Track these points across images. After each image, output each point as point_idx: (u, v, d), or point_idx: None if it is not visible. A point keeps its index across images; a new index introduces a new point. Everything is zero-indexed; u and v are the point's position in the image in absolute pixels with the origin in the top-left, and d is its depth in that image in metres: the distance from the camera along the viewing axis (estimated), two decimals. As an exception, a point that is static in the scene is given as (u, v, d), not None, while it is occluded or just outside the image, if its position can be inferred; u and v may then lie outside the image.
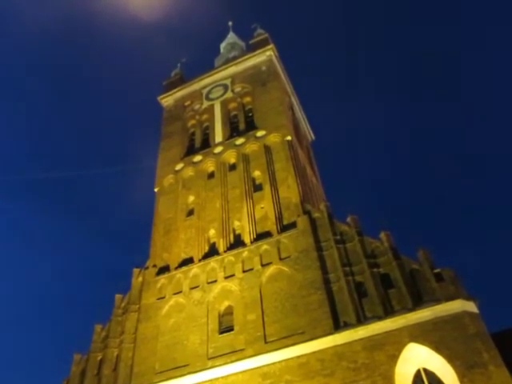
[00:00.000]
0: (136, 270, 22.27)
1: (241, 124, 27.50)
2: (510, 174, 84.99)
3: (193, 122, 29.94)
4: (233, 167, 24.66)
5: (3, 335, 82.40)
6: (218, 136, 27.16)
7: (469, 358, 13.44)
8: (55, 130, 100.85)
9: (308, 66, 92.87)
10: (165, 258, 22.12)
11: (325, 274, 17.43)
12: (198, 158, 26.23)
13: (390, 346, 14.52)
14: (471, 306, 14.65)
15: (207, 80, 32.10)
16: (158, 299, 20.29)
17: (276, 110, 26.37)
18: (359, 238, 17.91)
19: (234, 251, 20.16)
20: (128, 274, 22.40)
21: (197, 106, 30.78)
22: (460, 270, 15.80)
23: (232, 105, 29.31)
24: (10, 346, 79.47)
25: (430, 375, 14.11)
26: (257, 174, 23.51)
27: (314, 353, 15.35)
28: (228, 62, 33.65)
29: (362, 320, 15.66)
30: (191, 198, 24.43)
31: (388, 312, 15.49)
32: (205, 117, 29.59)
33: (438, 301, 15.01)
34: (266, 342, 16.50)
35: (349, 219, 18.85)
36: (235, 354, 16.73)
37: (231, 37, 42.03)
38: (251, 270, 19.08)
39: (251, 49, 32.81)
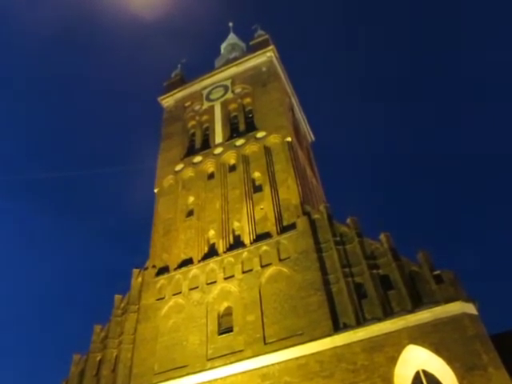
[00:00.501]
0: (135, 271, 22.27)
1: (241, 125, 27.51)
2: (511, 175, 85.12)
3: (193, 122, 29.95)
4: (233, 168, 24.67)
5: (3, 335, 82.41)
6: (218, 137, 27.17)
7: (468, 359, 13.44)
8: (56, 130, 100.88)
9: (308, 67, 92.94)
10: (164, 259, 22.11)
11: (324, 276, 17.42)
12: (197, 158, 26.24)
13: (390, 348, 14.52)
14: (471, 308, 14.64)
15: (207, 81, 32.13)
16: (158, 300, 20.28)
17: (276, 111, 26.39)
18: (359, 240, 17.91)
19: (234, 252, 20.16)
20: (127, 275, 22.45)
21: (197, 107, 30.80)
22: (459, 271, 15.82)
23: (232, 106, 29.33)
24: (10, 346, 79.46)
25: (430, 377, 14.09)
26: (257, 175, 23.52)
27: (313, 354, 15.35)
28: (228, 62, 33.66)
29: (361, 321, 15.66)
30: (191, 199, 24.43)
31: (387, 313, 15.48)
32: (205, 117, 29.61)
33: (437, 302, 15.01)
34: (265, 343, 16.50)
35: (348, 220, 18.85)
36: (234, 355, 16.72)
37: (232, 38, 42.07)
38: (251, 270, 19.08)
39: (252, 50, 32.86)
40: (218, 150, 25.97)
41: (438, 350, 14.00)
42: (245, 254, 19.81)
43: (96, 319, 21.47)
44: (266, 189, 22.28)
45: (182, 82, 33.83)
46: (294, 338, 16.14)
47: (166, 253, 22.34)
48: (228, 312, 18.47)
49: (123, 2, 73.89)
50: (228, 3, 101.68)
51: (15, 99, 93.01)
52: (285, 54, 37.09)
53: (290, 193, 21.45)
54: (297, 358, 15.49)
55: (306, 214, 19.96)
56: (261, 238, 20.24)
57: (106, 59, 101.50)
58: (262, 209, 21.67)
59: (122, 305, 21.39)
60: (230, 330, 17.74)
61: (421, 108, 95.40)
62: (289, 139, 24.34)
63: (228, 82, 30.96)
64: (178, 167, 26.44)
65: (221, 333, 17.82)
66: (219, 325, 18.16)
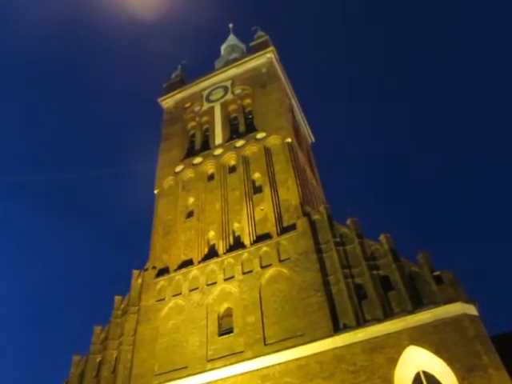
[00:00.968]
0: (135, 272, 22.27)
1: (241, 126, 27.53)
2: (511, 175, 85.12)
3: (193, 123, 29.97)
4: (233, 169, 24.67)
5: (3, 336, 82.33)
6: (218, 138, 27.19)
7: (468, 360, 13.42)
8: (55, 131, 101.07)
9: (308, 68, 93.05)
10: (164, 260, 22.10)
11: (324, 276, 17.41)
12: (197, 159, 26.25)
13: (390, 349, 14.50)
14: (471, 309, 14.63)
15: (207, 82, 32.16)
16: (158, 301, 20.27)
17: (276, 112, 26.41)
18: (359, 241, 17.91)
19: (234, 253, 20.15)
20: (127, 276, 22.45)
21: (197, 108, 30.82)
22: (460, 272, 15.83)
23: (232, 107, 29.36)
24: (10, 347, 79.41)
25: (430, 378, 14.07)
26: (257, 175, 23.52)
27: (313, 355, 15.34)
28: (228, 63, 33.73)
29: (361, 322, 15.64)
30: (191, 200, 24.43)
31: (388, 314, 15.47)
32: (205, 119, 29.63)
33: (437, 303, 15.00)
34: (265, 344, 16.48)
35: (348, 221, 18.84)
36: (234, 356, 16.70)
37: (231, 39, 42.14)
38: (251, 271, 19.07)
39: (251, 51, 32.92)
40: (218, 151, 25.99)
41: (438, 351, 13.99)
42: (245, 255, 19.80)
43: (96, 320, 21.48)
44: (266, 190, 22.28)
45: (182, 83, 33.88)
46: (294, 338, 16.13)
47: (166, 254, 22.33)
48: (228, 313, 18.46)
49: (124, 3, 74.01)
50: (228, 5, 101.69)
51: (14, 100, 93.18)
52: (285, 55, 37.10)
53: (290, 194, 21.45)
54: (297, 359, 15.48)
55: (306, 214, 19.96)
56: (261, 238, 20.24)
57: (107, 60, 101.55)
58: (262, 210, 21.67)
59: (122, 306, 21.38)
60: (230, 331, 17.72)
61: (421, 109, 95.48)
62: (289, 140, 24.35)
63: (228, 83, 30.99)
64: (178, 168, 26.46)
65: (221, 334, 17.81)
66: (219, 326, 18.14)
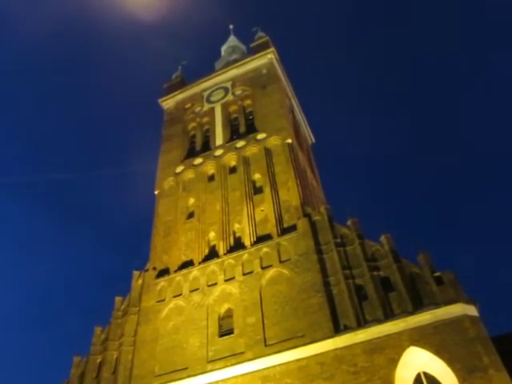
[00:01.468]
0: (136, 273, 22.26)
1: (241, 127, 27.53)
2: (510, 175, 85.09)
3: (193, 124, 29.99)
4: (233, 170, 24.69)
5: (3, 336, 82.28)
6: (219, 139, 27.20)
7: (469, 361, 13.41)
8: (56, 132, 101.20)
9: (308, 69, 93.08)
10: (165, 261, 22.10)
11: (325, 277, 17.41)
12: (198, 160, 26.26)
13: (390, 350, 14.49)
14: (471, 310, 14.62)
15: (208, 83, 32.18)
16: (158, 302, 20.27)
17: (276, 113, 26.42)
18: (359, 241, 17.91)
19: (234, 254, 20.15)
20: (128, 277, 22.45)
21: (197, 109, 30.84)
22: (460, 273, 15.82)
23: (232, 107, 29.38)
24: (10, 347, 79.39)
25: (430, 379, 14.07)
26: (257, 176, 23.53)
27: (313, 356, 15.33)
28: (229, 64, 33.74)
29: (362, 323, 15.64)
30: (191, 201, 24.44)
31: (388, 315, 15.47)
32: (205, 119, 29.65)
33: (438, 304, 14.99)
34: (265, 345, 16.48)
35: (349, 222, 18.84)
36: (235, 357, 16.70)
37: (232, 40, 42.19)
38: (251, 272, 19.07)
39: (252, 52, 32.94)
40: (219, 152, 26.00)
41: (438, 352, 13.98)
42: (245, 256, 19.80)
43: (96, 321, 21.52)
44: (267, 190, 22.29)
45: (183, 83, 33.91)
46: (295, 339, 16.12)
47: (167, 255, 22.33)
48: (228, 314, 18.45)
49: (124, 3, 74.04)
50: (228, 5, 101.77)
51: (14, 100, 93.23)
52: (285, 55, 37.15)
53: (290, 194, 21.46)
54: (297, 360, 15.47)
55: (307, 215, 19.96)
56: (261, 239, 20.24)
57: (107, 60, 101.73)
58: (262, 210, 21.67)
59: (123, 307, 21.38)
60: (230, 331, 17.72)
61: (422, 109, 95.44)
62: (289, 141, 24.36)
63: (228, 84, 31.01)
64: (179, 169, 26.47)
65: (221, 335, 17.81)
66: (220, 327, 18.14)
